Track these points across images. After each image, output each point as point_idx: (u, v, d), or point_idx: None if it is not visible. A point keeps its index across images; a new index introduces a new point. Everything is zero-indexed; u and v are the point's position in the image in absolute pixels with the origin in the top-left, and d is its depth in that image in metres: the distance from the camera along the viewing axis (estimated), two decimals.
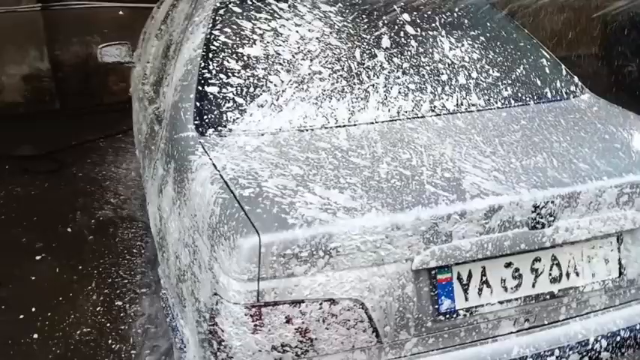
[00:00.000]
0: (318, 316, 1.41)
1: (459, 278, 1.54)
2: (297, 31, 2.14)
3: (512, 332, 1.63)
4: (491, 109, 2.07)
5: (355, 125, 1.92)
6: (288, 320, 1.39)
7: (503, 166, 1.65)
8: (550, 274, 1.63)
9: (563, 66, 2.40)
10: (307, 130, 1.88)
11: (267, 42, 2.11)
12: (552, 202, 1.54)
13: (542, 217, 1.54)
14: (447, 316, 1.53)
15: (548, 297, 1.62)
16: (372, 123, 1.93)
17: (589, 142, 1.85)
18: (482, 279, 1.56)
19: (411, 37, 2.22)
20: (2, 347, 2.61)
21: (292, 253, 1.36)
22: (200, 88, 1.99)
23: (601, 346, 1.66)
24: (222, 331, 1.41)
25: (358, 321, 1.44)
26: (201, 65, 2.05)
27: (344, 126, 1.91)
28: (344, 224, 1.40)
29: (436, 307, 1.52)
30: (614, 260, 1.70)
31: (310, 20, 2.18)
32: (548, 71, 2.31)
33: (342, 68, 2.06)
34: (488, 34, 2.36)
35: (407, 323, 1.49)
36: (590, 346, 1.65)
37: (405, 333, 1.50)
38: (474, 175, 1.59)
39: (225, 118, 1.90)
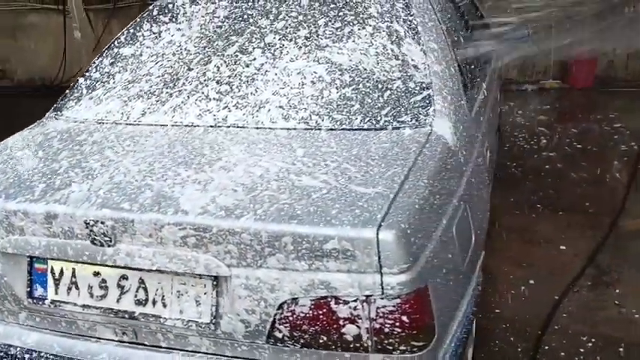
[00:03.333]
0: None
1: (52, 272, 1.71)
2: (152, 41, 2.41)
3: (113, 340, 1.70)
4: (262, 128, 1.96)
5: (133, 125, 2.12)
6: None
7: (130, 183, 1.68)
8: (136, 296, 1.63)
9: (425, 94, 1.99)
10: (102, 124, 2.17)
11: (133, 48, 2.43)
12: (103, 222, 1.55)
13: (97, 235, 1.57)
14: (36, 301, 1.72)
15: (126, 316, 1.63)
16: (148, 125, 2.09)
17: (251, 180, 1.65)
18: (72, 280, 1.69)
19: (241, 49, 2.22)
20: None
21: None
22: (78, 79, 2.46)
23: None
24: None
25: None
26: (93, 61, 2.51)
27: (127, 124, 2.14)
28: None
29: (29, 290, 1.73)
30: (207, 304, 1.56)
31: (163, 32, 2.41)
32: (384, 96, 1.98)
33: (166, 73, 2.25)
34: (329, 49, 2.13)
35: (5, 295, 1.75)
36: None
37: (8, 304, 1.77)
38: (94, 183, 1.69)
39: (66, 105, 2.35)
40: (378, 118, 1.93)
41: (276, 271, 1.47)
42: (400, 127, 1.91)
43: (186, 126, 2.05)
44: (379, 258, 1.40)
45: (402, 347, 1.47)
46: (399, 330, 1.45)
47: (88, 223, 1.57)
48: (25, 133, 2.21)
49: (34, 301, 1.73)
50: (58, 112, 2.33)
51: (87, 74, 2.45)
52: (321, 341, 1.49)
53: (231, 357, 1.60)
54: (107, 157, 1.86)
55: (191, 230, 1.50)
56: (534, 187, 4.30)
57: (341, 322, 1.46)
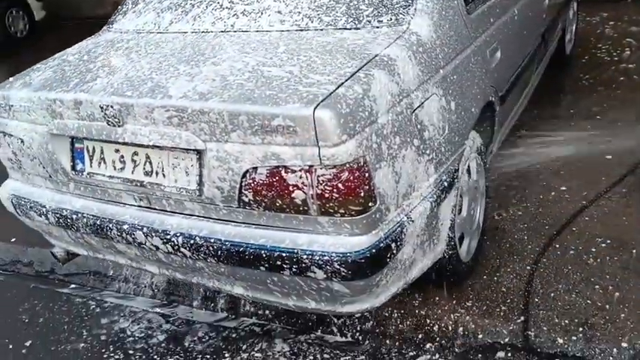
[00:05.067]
0: (18, 147, 2.30)
1: (87, 150, 2.13)
2: None
3: (133, 205, 2.12)
4: (264, 31, 2.22)
5: (161, 33, 2.46)
6: (8, 145, 2.34)
7: (139, 77, 2.01)
8: (144, 168, 2.00)
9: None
10: (139, 33, 2.54)
11: None
12: (112, 106, 1.92)
13: (109, 118, 1.94)
14: (78, 173, 2.17)
15: (138, 184, 2.01)
16: (173, 33, 2.43)
17: (241, 70, 1.91)
18: (100, 155, 2.10)
19: None
20: None
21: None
22: None
23: (178, 242, 1.97)
24: None
25: (33, 157, 2.26)
26: None
27: (157, 33, 2.48)
28: (14, 92, 2.22)
29: (72, 164, 2.18)
30: (194, 174, 1.90)
31: None
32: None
33: None
34: None
35: (57, 169, 2.21)
36: (169, 237, 1.98)
37: (60, 176, 2.23)
38: (112, 78, 2.06)
39: (116, 19, 2.75)
40: (360, 19, 2.11)
41: (238, 144, 1.77)
42: (379, 26, 2.08)
43: (202, 32, 2.35)
44: (316, 133, 1.65)
45: (341, 211, 1.72)
46: (337, 196, 1.70)
47: (102, 107, 1.95)
48: (82, 43, 2.64)
49: (76, 173, 2.17)
50: (110, 25, 2.74)
51: None
52: (277, 204, 1.79)
53: (216, 219, 1.95)
54: (131, 58, 2.23)
55: (173, 111, 1.83)
56: (600, 99, 4.18)
57: (291, 189, 1.74)
